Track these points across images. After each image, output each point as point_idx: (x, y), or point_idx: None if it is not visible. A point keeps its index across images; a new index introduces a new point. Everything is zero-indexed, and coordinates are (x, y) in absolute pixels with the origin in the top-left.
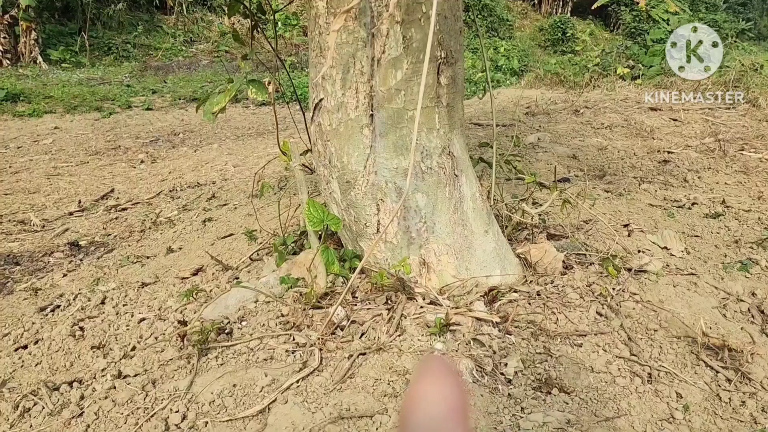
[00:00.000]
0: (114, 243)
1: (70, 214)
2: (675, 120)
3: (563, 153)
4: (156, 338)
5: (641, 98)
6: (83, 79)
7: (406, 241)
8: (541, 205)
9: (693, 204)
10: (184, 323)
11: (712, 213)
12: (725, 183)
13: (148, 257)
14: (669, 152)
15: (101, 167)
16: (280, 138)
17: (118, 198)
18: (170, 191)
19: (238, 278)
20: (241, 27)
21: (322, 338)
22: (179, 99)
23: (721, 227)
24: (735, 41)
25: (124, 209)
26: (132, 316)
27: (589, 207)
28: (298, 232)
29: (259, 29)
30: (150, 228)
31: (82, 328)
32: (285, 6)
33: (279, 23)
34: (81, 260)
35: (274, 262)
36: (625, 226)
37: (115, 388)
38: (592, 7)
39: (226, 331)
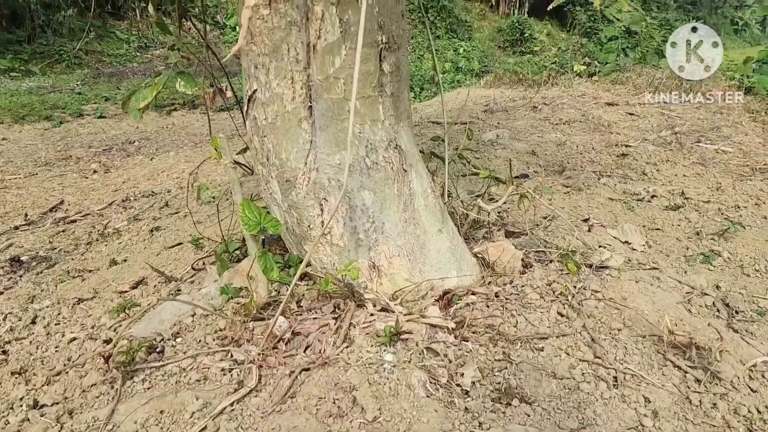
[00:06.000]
0: (57, 257)
1: (16, 228)
2: (632, 114)
3: (522, 149)
4: (85, 360)
5: (598, 94)
6: (33, 87)
7: (353, 243)
8: (497, 201)
9: (653, 197)
10: (110, 342)
11: (672, 205)
12: (684, 175)
13: (90, 271)
14: (627, 146)
15: (51, 178)
16: (220, 138)
17: (67, 210)
18: (123, 201)
19: (180, 290)
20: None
21: (262, 353)
22: None
23: (682, 219)
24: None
25: (72, 221)
26: (63, 335)
27: (548, 202)
28: (242, 238)
29: (187, 17)
30: (97, 240)
31: (5, 352)
32: (232, 15)
33: (237, 27)
34: (20, 277)
35: (216, 271)
36: (585, 221)
37: (28, 420)
38: (548, 8)
39: (158, 350)
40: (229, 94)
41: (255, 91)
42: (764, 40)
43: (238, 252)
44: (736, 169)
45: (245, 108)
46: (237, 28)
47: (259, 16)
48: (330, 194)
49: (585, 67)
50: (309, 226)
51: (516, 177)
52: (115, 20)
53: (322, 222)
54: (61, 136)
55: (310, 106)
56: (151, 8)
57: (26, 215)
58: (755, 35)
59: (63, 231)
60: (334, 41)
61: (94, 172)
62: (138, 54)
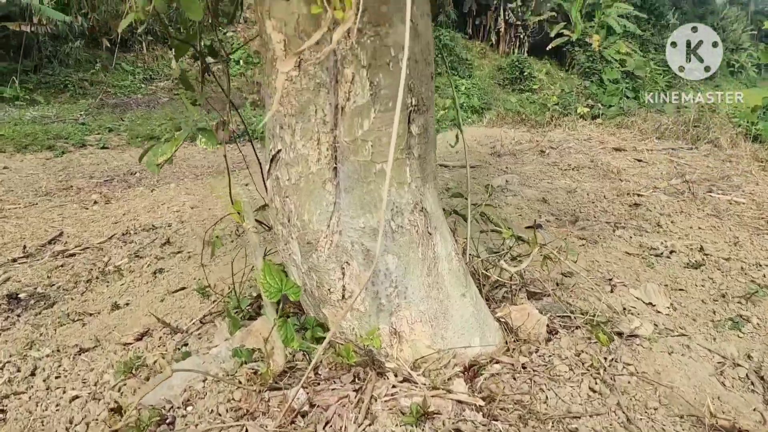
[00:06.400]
0: (56, 295)
1: (14, 260)
2: (640, 161)
3: (532, 196)
4: (87, 424)
5: (604, 138)
6: (37, 116)
7: (375, 308)
8: (521, 261)
9: (671, 252)
10: (118, 411)
11: (693, 262)
12: (699, 227)
13: (90, 314)
14: (639, 195)
15: (51, 209)
16: (243, 202)
17: (66, 243)
18: (123, 234)
19: (186, 344)
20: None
21: (279, 429)
22: (137, 137)
23: (705, 279)
24: (687, 84)
25: (71, 255)
26: (64, 392)
27: (572, 262)
28: (254, 294)
29: (210, 73)
30: (97, 278)
31: (3, 410)
32: (237, 50)
33: (240, 61)
34: (18, 316)
35: (227, 328)
36: (609, 280)
37: None
38: (547, 48)
39: (168, 421)
40: (232, 127)
41: (279, 151)
42: (760, 82)
43: (249, 308)
44: (751, 222)
45: (267, 167)
46: (241, 62)
47: (287, 77)
48: (353, 258)
49: (588, 110)
50: (329, 289)
51: (529, 227)
52: (121, 52)
53: (343, 286)
54: (63, 166)
55: (335, 168)
56: (174, 64)
57: (25, 247)
58: (751, 77)
59: (62, 266)
60: (364, 104)
61: (95, 203)
62: (143, 85)
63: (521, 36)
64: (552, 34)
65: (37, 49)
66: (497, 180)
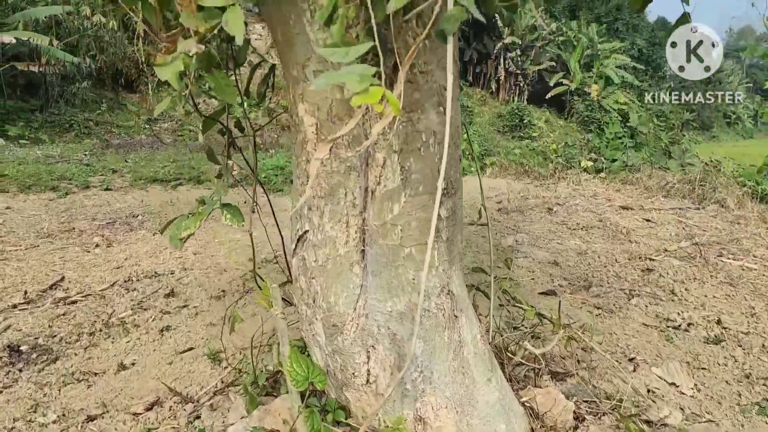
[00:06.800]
0: (59, 349)
1: (14, 306)
2: (648, 220)
3: (543, 258)
4: None
5: (610, 195)
6: (41, 156)
7: (399, 394)
8: (543, 339)
9: (689, 324)
10: None
11: (712, 337)
12: (714, 296)
13: (96, 374)
14: (650, 259)
15: (52, 251)
16: (272, 288)
17: (67, 289)
18: (125, 281)
19: (199, 417)
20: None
21: None
22: (140, 179)
23: (727, 357)
24: (683, 133)
25: (73, 302)
26: None
27: (598, 344)
28: (271, 369)
29: (236, 147)
30: (101, 330)
31: None
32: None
33: (245, 104)
34: (20, 371)
35: (243, 404)
36: (631, 359)
37: None
38: (547, 96)
39: None
40: (235, 171)
41: (306, 231)
42: (756, 133)
43: (266, 383)
44: (765, 290)
45: (293, 247)
46: (244, 104)
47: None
48: (379, 342)
49: (592, 163)
50: (353, 373)
51: (543, 293)
52: (127, 93)
53: (368, 370)
54: (66, 207)
55: (363, 250)
56: (200, 137)
57: (26, 292)
58: (747, 128)
59: (63, 314)
60: (394, 188)
61: (96, 246)
62: (147, 126)
63: (521, 84)
64: (551, 83)
65: (44, 88)
66: (507, 240)
